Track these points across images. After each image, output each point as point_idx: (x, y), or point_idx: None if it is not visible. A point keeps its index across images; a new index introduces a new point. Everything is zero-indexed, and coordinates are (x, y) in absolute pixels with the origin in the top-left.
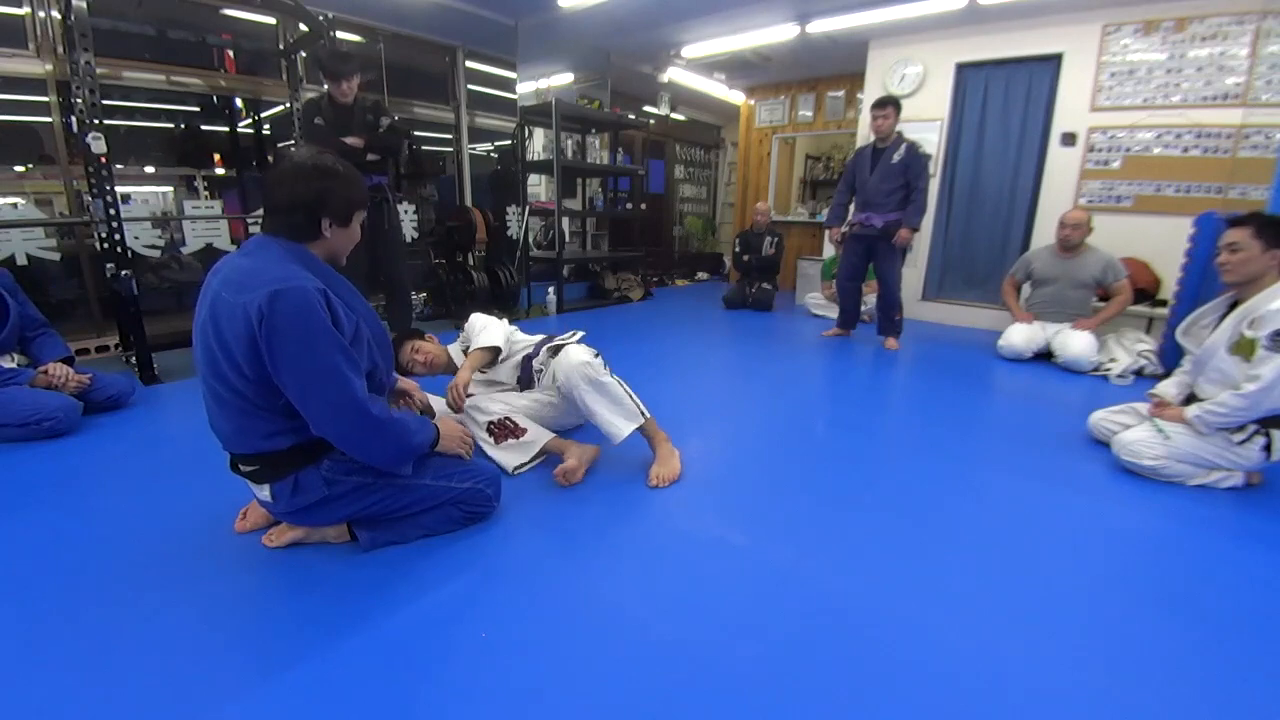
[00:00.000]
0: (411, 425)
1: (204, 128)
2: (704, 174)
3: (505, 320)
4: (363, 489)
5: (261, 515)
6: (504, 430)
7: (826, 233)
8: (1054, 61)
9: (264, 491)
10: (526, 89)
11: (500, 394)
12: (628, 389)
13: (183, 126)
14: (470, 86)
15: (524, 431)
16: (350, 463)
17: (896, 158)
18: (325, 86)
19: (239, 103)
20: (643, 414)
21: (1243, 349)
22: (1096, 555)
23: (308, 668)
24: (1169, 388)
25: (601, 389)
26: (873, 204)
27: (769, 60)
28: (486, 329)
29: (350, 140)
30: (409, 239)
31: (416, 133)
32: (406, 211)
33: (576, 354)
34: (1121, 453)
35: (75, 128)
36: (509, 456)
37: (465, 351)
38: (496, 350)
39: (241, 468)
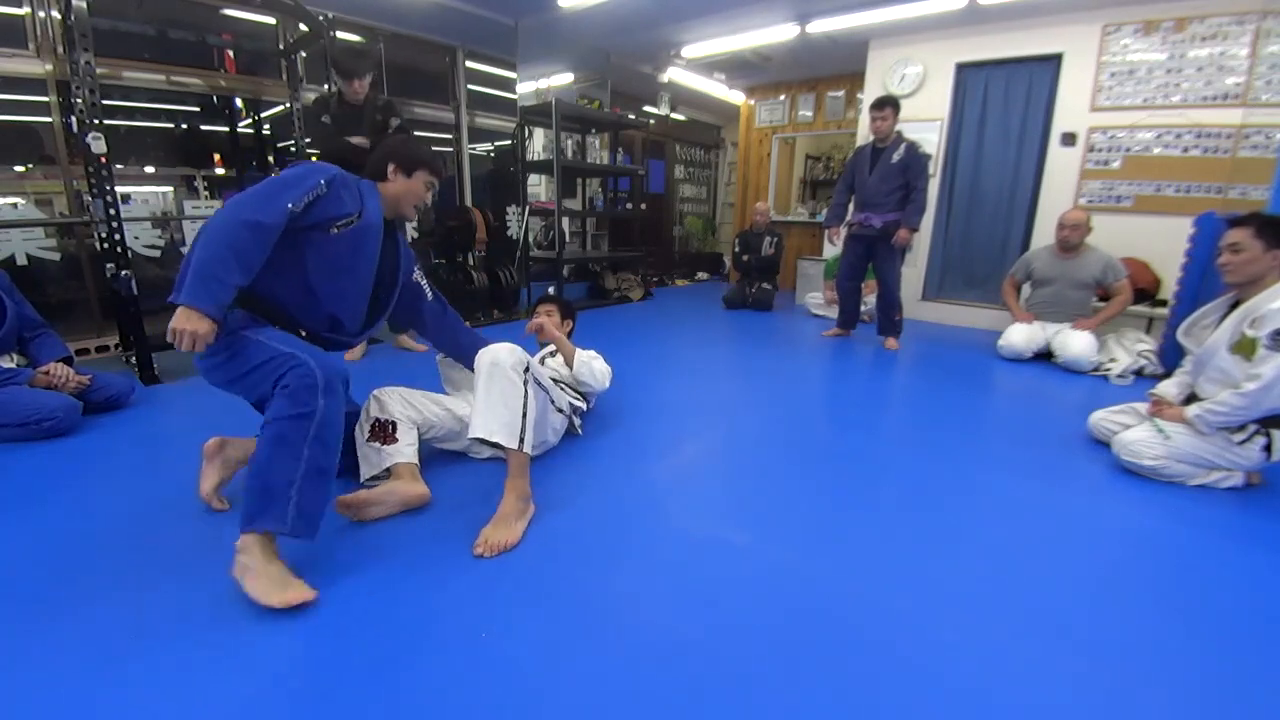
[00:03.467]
0: (231, 264)
1: (204, 128)
2: (704, 174)
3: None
4: (226, 350)
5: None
6: (380, 431)
7: (826, 233)
8: (1054, 61)
9: None
10: (526, 89)
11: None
12: (528, 411)
13: (183, 126)
14: (470, 86)
15: (394, 441)
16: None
17: (896, 158)
18: (328, 86)
19: (239, 103)
20: (521, 441)
21: (1244, 348)
22: (1096, 555)
23: (304, 668)
24: (1169, 388)
25: (498, 381)
26: (872, 204)
27: (769, 60)
28: (597, 361)
29: (356, 140)
30: (409, 239)
31: (417, 133)
32: None
33: (504, 346)
34: (1122, 453)
35: (75, 128)
36: (365, 463)
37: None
38: (570, 362)
39: None
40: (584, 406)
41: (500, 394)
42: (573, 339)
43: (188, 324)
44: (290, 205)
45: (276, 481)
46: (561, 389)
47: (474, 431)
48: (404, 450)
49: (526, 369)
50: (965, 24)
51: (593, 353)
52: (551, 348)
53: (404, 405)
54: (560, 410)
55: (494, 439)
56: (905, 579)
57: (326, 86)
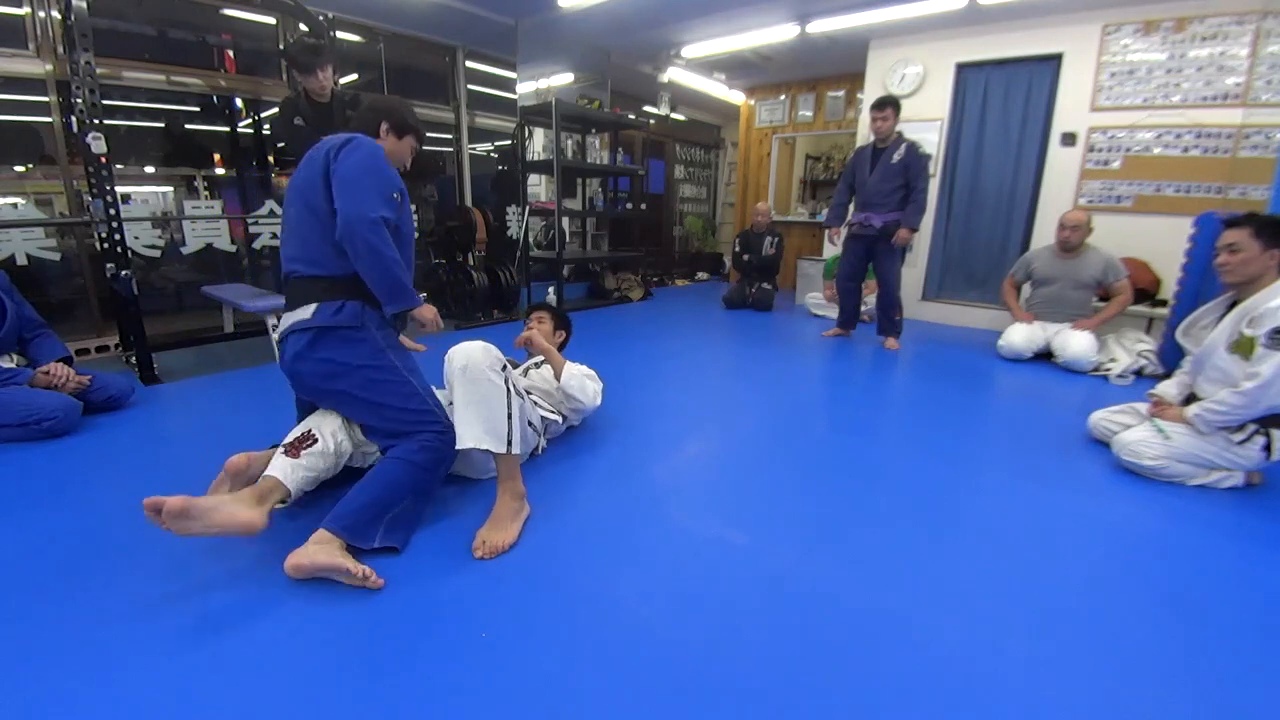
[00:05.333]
0: (403, 266)
1: (202, 127)
2: (704, 174)
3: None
4: (371, 365)
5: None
6: (298, 441)
7: (826, 232)
8: (1054, 61)
9: (307, 311)
10: (526, 89)
11: None
12: (513, 412)
13: (183, 126)
14: (470, 86)
15: (295, 455)
16: (381, 317)
17: (896, 158)
18: (292, 84)
19: (239, 103)
20: (509, 444)
21: (1242, 347)
22: (1096, 556)
23: (304, 669)
24: (1169, 388)
25: (478, 384)
26: (872, 204)
27: (769, 60)
28: (591, 380)
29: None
30: None
31: None
32: None
33: (476, 344)
34: (1122, 453)
35: (75, 128)
36: (296, 472)
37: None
38: (558, 375)
39: (299, 290)
40: (558, 420)
41: (482, 397)
42: (566, 351)
43: (429, 312)
44: (397, 196)
45: (390, 508)
46: (535, 403)
47: (461, 443)
48: (287, 468)
49: (503, 367)
50: (965, 24)
51: (586, 369)
52: (539, 358)
53: (350, 426)
54: (530, 424)
55: (482, 446)
56: (905, 579)
57: (297, 88)
